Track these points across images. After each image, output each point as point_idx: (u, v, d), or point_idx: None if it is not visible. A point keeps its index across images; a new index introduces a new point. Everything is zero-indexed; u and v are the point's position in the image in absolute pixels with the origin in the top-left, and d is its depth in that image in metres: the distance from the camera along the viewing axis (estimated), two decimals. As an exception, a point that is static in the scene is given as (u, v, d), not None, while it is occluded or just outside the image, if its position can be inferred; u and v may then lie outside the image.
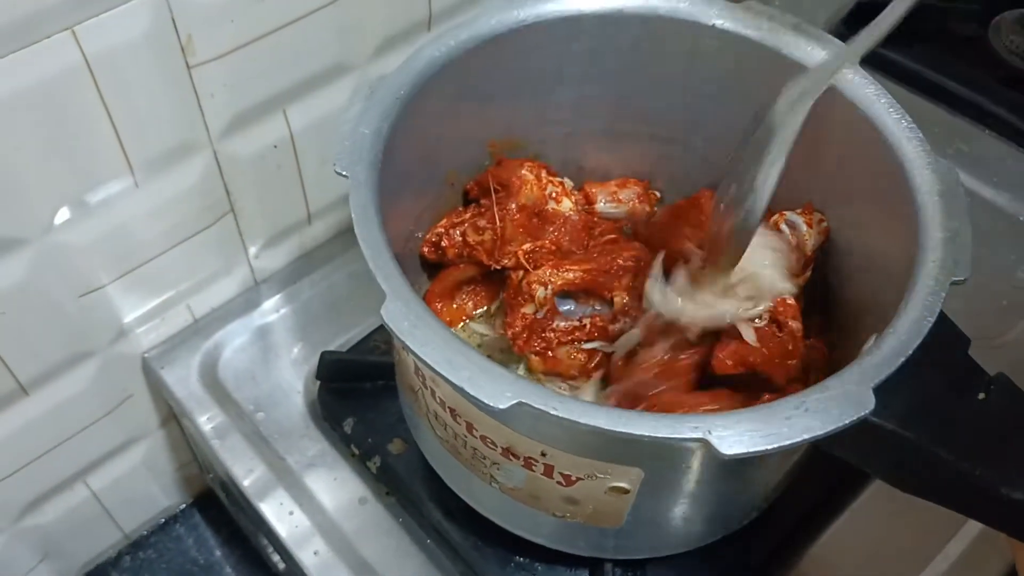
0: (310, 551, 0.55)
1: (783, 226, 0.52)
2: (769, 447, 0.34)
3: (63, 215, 0.52)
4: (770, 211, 0.54)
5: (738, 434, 0.34)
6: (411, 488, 0.56)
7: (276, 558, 0.69)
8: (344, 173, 0.43)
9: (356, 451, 0.59)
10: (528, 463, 0.42)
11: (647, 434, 0.35)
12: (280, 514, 0.57)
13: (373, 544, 0.56)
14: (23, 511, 0.66)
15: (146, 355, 0.65)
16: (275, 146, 0.60)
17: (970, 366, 0.39)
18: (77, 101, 0.47)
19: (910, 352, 0.37)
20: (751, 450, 0.34)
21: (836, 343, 0.51)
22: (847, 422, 0.35)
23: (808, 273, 0.52)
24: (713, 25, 0.51)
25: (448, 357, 0.36)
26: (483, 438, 0.43)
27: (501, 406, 0.35)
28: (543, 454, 0.41)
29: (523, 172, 0.56)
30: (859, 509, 0.56)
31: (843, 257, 0.52)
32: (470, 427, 0.43)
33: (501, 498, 0.47)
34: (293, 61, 0.56)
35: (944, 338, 0.38)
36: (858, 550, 0.55)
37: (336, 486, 0.58)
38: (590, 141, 0.59)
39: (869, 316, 0.47)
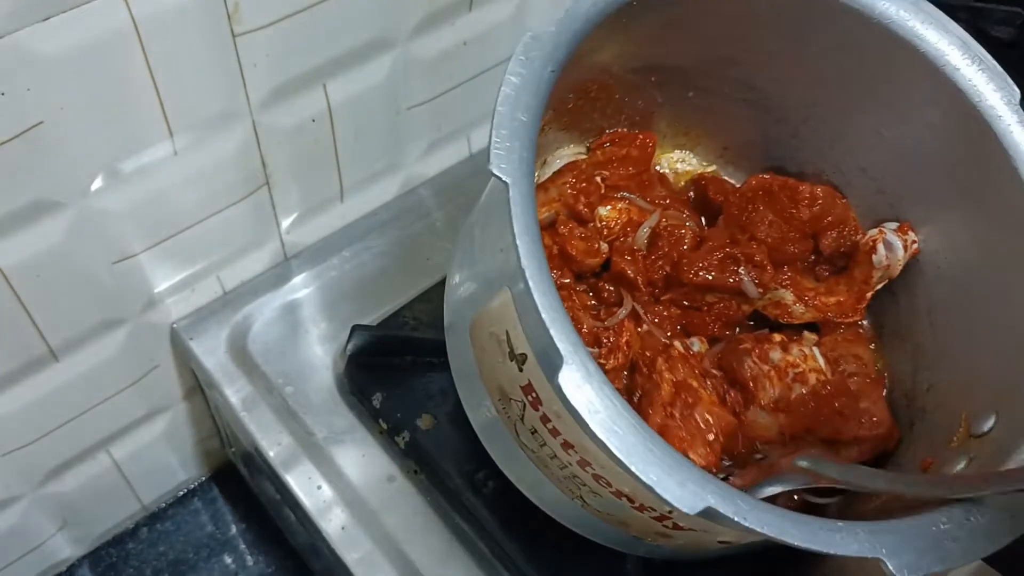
0: (337, 525, 0.55)
1: (880, 246, 0.50)
2: (942, 568, 0.34)
3: (101, 180, 0.52)
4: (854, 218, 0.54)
5: (912, 555, 0.34)
6: (440, 465, 0.56)
7: (300, 530, 0.69)
8: (505, 179, 0.34)
9: (384, 426, 0.58)
10: (642, 508, 0.39)
11: (828, 551, 0.33)
12: (308, 488, 0.57)
13: (400, 520, 0.56)
14: (46, 477, 0.66)
15: (175, 325, 0.65)
16: (313, 120, 0.60)
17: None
18: (123, 64, 0.47)
19: None
20: (924, 574, 0.33)
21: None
22: (1010, 540, 0.35)
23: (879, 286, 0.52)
24: (872, 19, 0.46)
25: (640, 454, 0.33)
26: (596, 477, 0.39)
27: (691, 512, 0.32)
28: (669, 512, 0.38)
29: None
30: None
31: (930, 288, 0.51)
32: (583, 463, 0.39)
33: (578, 511, 0.44)
34: (336, 34, 0.56)
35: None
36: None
37: (364, 462, 0.58)
38: (678, 93, 0.56)
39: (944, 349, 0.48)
